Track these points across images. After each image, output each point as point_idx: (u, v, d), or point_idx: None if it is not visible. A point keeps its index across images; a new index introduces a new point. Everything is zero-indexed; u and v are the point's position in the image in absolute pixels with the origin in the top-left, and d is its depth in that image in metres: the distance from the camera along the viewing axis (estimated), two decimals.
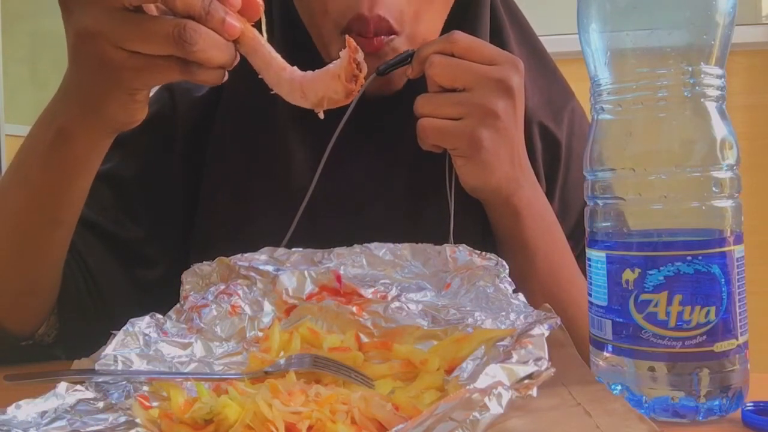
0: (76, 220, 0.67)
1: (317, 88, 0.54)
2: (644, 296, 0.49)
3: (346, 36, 0.54)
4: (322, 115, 0.55)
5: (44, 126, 0.62)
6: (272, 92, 0.55)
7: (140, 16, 0.52)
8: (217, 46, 0.52)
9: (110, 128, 0.60)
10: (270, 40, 0.56)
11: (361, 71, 0.53)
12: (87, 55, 0.54)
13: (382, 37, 0.70)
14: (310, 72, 0.54)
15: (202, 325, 0.59)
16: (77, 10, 0.54)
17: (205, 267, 0.65)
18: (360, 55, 0.53)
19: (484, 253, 0.63)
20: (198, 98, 0.81)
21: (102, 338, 0.55)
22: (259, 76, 0.55)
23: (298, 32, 0.77)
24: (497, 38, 0.80)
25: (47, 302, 0.71)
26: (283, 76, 0.54)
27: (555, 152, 0.81)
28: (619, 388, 0.51)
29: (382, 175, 0.77)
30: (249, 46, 0.54)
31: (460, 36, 0.69)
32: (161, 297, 0.64)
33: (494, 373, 0.41)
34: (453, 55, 0.68)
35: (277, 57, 0.55)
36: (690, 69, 0.50)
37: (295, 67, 0.55)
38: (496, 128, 0.68)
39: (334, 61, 0.54)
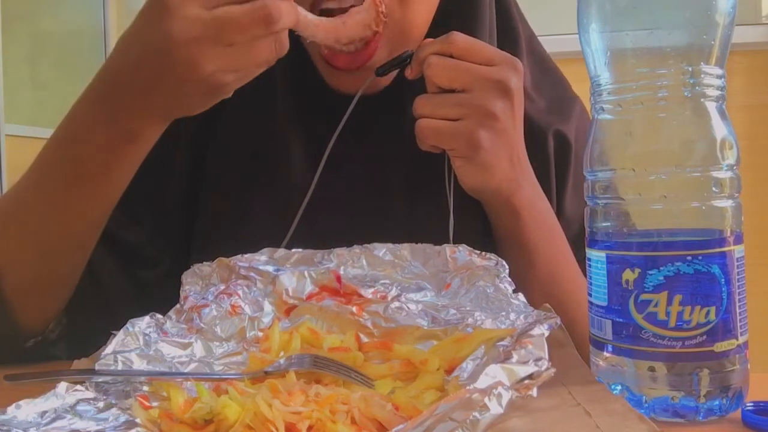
0: (105, 221, 0.70)
1: (350, 35, 0.66)
2: (644, 296, 0.49)
3: None
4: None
5: (100, 127, 0.63)
6: (308, 41, 0.65)
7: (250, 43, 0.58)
8: (291, 12, 0.60)
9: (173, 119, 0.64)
10: None
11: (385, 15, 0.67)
12: (185, 82, 0.58)
13: (367, 51, 0.70)
14: (342, 22, 0.65)
15: (202, 325, 0.59)
16: (194, 50, 0.57)
17: (205, 267, 0.65)
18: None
19: (484, 253, 0.63)
20: None
21: (102, 338, 0.55)
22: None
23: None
24: (508, 43, 0.80)
25: (64, 299, 0.72)
26: (317, 32, 0.64)
27: (566, 153, 0.81)
28: (619, 388, 0.51)
29: (382, 175, 0.77)
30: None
31: (458, 37, 0.69)
32: (161, 297, 0.64)
33: (494, 373, 0.41)
34: (452, 56, 0.68)
35: (311, 18, 0.63)
36: (690, 69, 0.50)
37: (327, 19, 0.65)
38: (494, 129, 0.68)
39: (357, 8, 0.66)
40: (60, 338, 0.73)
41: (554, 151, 0.80)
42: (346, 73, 0.73)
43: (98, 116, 0.63)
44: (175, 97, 0.60)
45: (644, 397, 0.50)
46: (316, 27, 0.63)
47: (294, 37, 0.78)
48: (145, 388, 0.50)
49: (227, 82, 0.59)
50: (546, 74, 0.85)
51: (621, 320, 0.50)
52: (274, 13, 0.57)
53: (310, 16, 0.63)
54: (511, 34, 0.82)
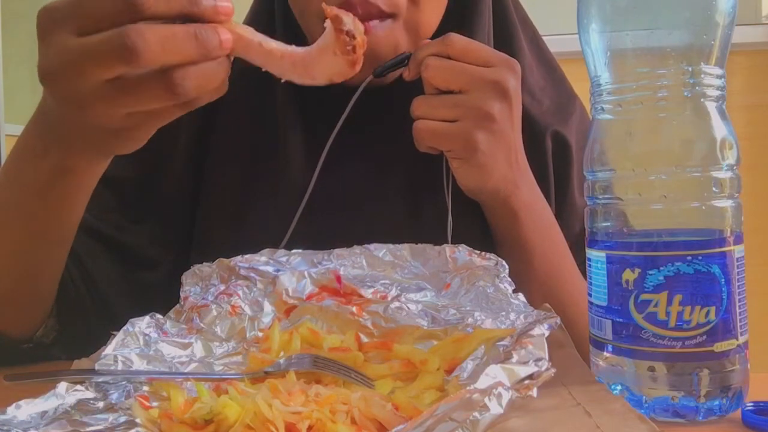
0: (73, 237, 0.67)
1: (322, 69, 0.52)
2: (644, 296, 0.49)
3: (323, 4, 0.52)
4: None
5: (35, 160, 0.59)
6: (283, 81, 0.53)
7: (125, 81, 0.48)
8: (210, 74, 0.49)
9: (111, 156, 0.60)
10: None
11: (354, 38, 0.51)
12: (82, 122, 0.52)
13: (373, 21, 0.69)
14: (307, 50, 0.52)
15: (202, 325, 0.59)
16: (60, 85, 0.50)
17: (205, 268, 0.65)
18: (348, 21, 0.51)
19: (483, 253, 0.63)
20: None
21: (102, 339, 0.55)
22: (264, 71, 0.53)
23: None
24: (506, 43, 0.80)
25: (45, 309, 0.71)
26: (284, 65, 0.52)
27: (565, 153, 0.81)
28: (619, 388, 0.51)
29: (381, 175, 0.78)
30: (240, 47, 0.51)
31: (456, 38, 0.69)
32: (162, 298, 0.64)
33: (494, 373, 0.41)
34: (449, 57, 0.68)
35: (272, 46, 0.52)
36: (690, 69, 0.50)
37: (293, 48, 0.52)
38: (491, 130, 0.68)
39: (324, 35, 0.52)
40: (55, 342, 0.73)
41: (552, 152, 0.80)
42: None
43: (35, 150, 0.59)
44: (92, 136, 0.54)
45: (644, 397, 0.50)
46: (279, 66, 0.52)
47: (294, 32, 0.78)
48: (145, 388, 0.50)
49: (127, 126, 0.52)
50: (550, 74, 0.86)
51: (621, 320, 0.50)
52: (133, 43, 0.45)
53: (274, 51, 0.52)
54: (508, 35, 0.82)
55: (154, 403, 0.49)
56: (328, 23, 0.51)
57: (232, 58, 0.53)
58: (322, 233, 0.73)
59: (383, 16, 0.70)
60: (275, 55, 0.52)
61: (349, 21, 0.51)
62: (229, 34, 0.50)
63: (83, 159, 0.58)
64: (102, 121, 0.51)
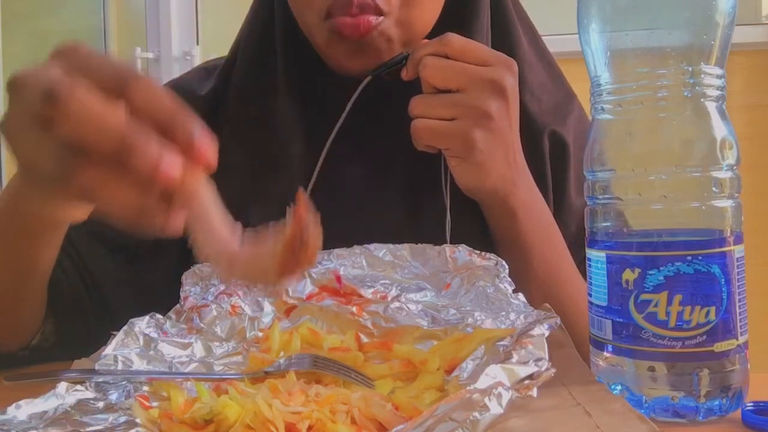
0: (51, 268, 0.66)
1: (251, 269, 0.43)
2: (644, 296, 0.49)
3: (300, 191, 0.44)
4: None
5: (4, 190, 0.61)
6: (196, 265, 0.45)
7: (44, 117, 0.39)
8: (117, 187, 0.41)
9: (46, 217, 0.56)
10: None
11: (307, 248, 0.44)
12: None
13: (370, 17, 0.69)
14: (256, 251, 0.44)
15: (202, 325, 0.59)
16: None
17: (205, 268, 0.65)
18: (312, 233, 0.44)
19: (483, 253, 0.63)
20: (201, 97, 0.81)
21: (102, 339, 0.55)
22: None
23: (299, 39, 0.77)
24: (505, 41, 0.80)
25: (34, 322, 0.71)
26: (212, 239, 0.43)
27: (562, 153, 0.81)
28: (619, 388, 0.51)
29: (381, 175, 0.78)
30: (185, 198, 0.42)
31: (453, 38, 0.69)
32: (162, 298, 0.64)
33: (494, 373, 0.41)
34: (447, 57, 0.68)
35: (216, 220, 0.43)
36: (690, 69, 0.50)
37: (235, 235, 0.44)
38: (489, 129, 0.68)
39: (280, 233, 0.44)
40: (55, 345, 0.73)
41: (550, 152, 0.80)
42: (352, 49, 0.72)
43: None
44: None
45: (644, 397, 0.50)
46: (214, 231, 0.43)
47: (293, 31, 0.78)
48: (145, 388, 0.50)
49: (30, 164, 0.43)
50: (549, 72, 0.86)
51: (621, 320, 0.50)
52: (57, 94, 0.38)
53: (219, 219, 0.43)
54: (506, 33, 0.82)
55: (154, 403, 0.49)
56: (288, 220, 0.43)
57: (178, 221, 0.43)
58: (323, 233, 0.73)
59: (379, 12, 0.70)
60: (212, 226, 0.43)
61: (313, 235, 0.45)
62: (178, 164, 0.40)
63: (25, 197, 0.56)
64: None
